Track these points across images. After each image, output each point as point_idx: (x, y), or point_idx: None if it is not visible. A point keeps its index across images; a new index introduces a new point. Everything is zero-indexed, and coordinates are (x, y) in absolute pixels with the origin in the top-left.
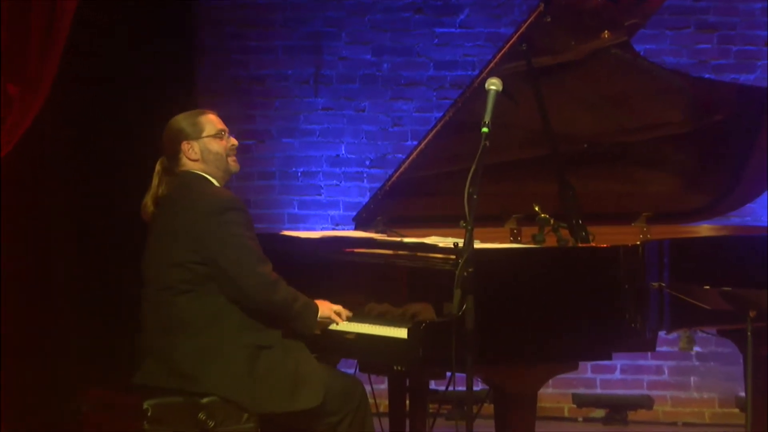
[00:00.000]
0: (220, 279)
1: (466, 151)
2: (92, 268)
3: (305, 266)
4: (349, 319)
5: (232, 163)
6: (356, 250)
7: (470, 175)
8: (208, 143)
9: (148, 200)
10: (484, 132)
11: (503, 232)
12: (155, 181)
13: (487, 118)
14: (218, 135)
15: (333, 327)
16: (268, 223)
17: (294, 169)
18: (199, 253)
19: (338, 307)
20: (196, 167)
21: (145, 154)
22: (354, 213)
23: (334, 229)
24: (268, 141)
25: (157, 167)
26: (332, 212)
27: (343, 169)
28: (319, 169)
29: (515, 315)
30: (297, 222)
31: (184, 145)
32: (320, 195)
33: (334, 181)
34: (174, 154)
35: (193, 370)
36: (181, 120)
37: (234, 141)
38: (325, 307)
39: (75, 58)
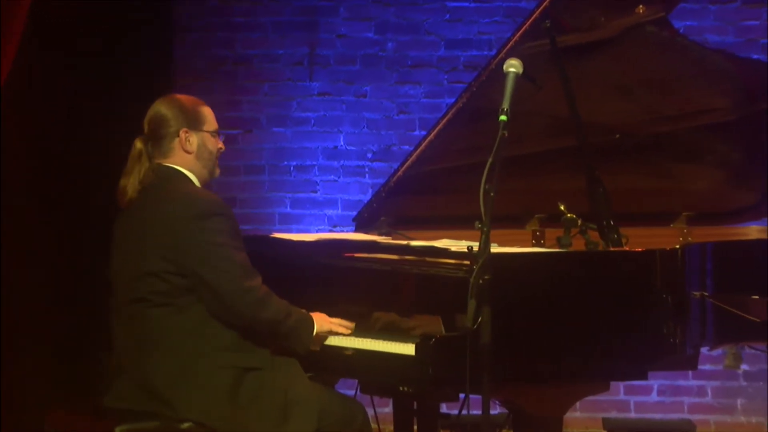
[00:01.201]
0: (201, 292)
1: (482, 143)
2: (56, 273)
3: (298, 273)
4: (349, 335)
5: (217, 169)
6: (357, 255)
7: (486, 169)
8: (206, 139)
9: (128, 184)
10: (502, 120)
11: (524, 234)
12: (134, 163)
13: (505, 105)
14: (215, 133)
15: (329, 342)
16: (256, 224)
17: (286, 162)
18: (177, 264)
19: (338, 320)
20: (183, 162)
21: (112, 145)
22: (354, 212)
23: (331, 230)
24: (256, 130)
25: (137, 146)
26: (329, 212)
27: (341, 162)
28: (315, 163)
29: (538, 328)
30: (289, 223)
31: (183, 134)
32: (316, 192)
33: (332, 177)
34: (161, 139)
35: (170, 393)
36: (183, 103)
37: (223, 146)
38: (323, 321)
39: (35, 37)
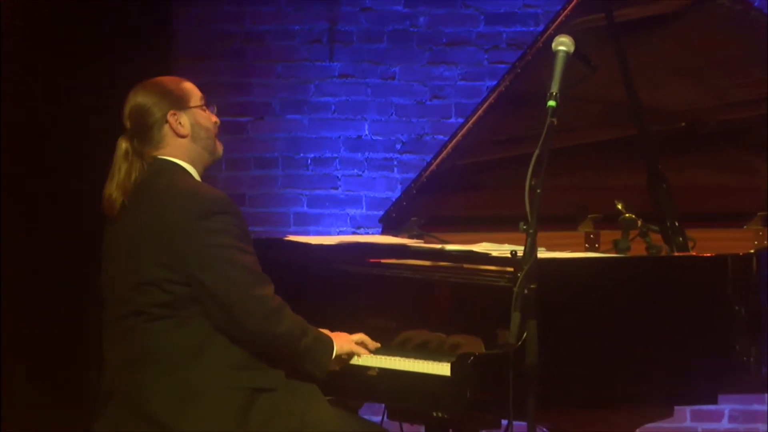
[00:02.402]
0: (205, 303)
1: (528, 132)
2: (40, 281)
3: (316, 282)
4: (375, 352)
5: (219, 144)
6: (384, 261)
7: (532, 162)
8: (197, 115)
9: (114, 190)
10: (550, 106)
11: (576, 237)
12: (121, 165)
13: (554, 89)
14: (203, 106)
15: (353, 360)
16: (267, 226)
17: (302, 154)
18: (177, 271)
19: (361, 336)
20: (179, 150)
21: (104, 138)
22: (381, 212)
23: (354, 233)
24: (268, 118)
25: (122, 146)
26: (352, 211)
27: (366, 154)
28: (336, 155)
29: (591, 345)
30: (306, 224)
31: (171, 117)
32: (337, 188)
33: (355, 171)
34: (148, 131)
35: (169, 417)
36: (162, 84)
37: (217, 118)
38: (343, 341)
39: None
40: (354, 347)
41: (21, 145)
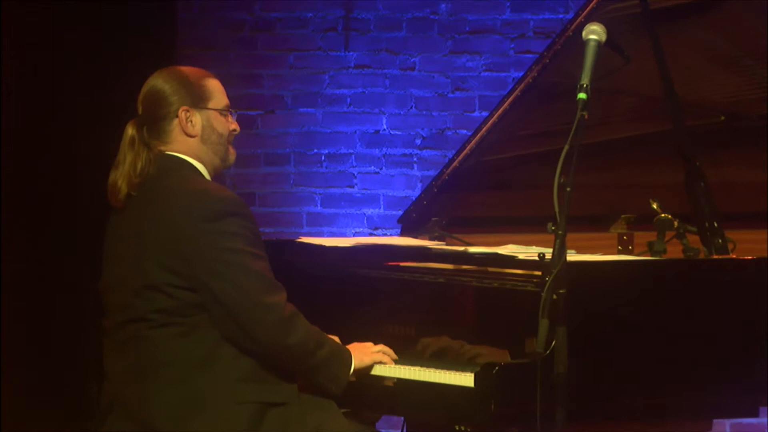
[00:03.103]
0: (212, 310)
1: (557, 126)
2: (37, 284)
3: (331, 287)
4: (394, 362)
5: (231, 152)
6: (403, 265)
7: (562, 159)
8: (213, 118)
9: (118, 178)
10: (581, 99)
11: (608, 238)
12: (126, 153)
13: (585, 80)
14: (225, 111)
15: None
16: (279, 227)
17: (316, 150)
18: (183, 276)
19: (382, 348)
20: (187, 148)
21: (102, 132)
22: (399, 212)
23: (371, 234)
24: (279, 111)
25: (129, 132)
26: (369, 211)
27: (384, 150)
28: (352, 151)
29: (624, 354)
30: (320, 224)
31: (183, 113)
32: (353, 187)
33: (372, 168)
34: (158, 121)
35: (175, 430)
36: (184, 75)
37: (237, 125)
38: (363, 353)
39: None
40: (375, 356)
41: (20, 137)
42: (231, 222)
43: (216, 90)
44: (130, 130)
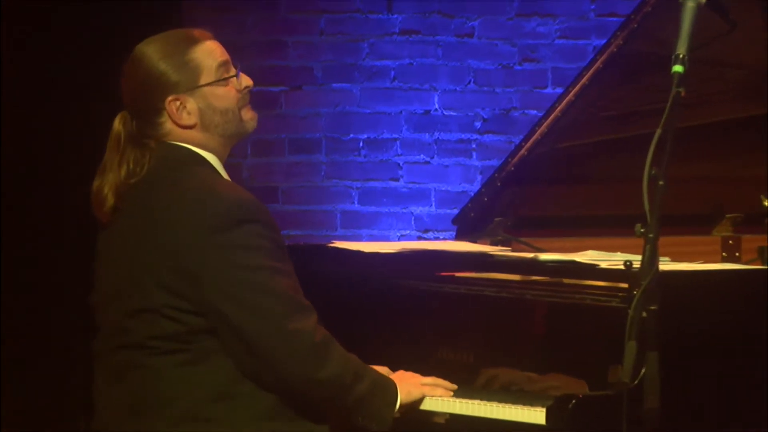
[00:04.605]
0: (225, 338)
1: (646, 106)
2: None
3: (370, 304)
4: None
5: (248, 117)
6: (459, 275)
7: (653, 145)
8: (211, 95)
9: (105, 186)
10: (676, 73)
11: (710, 243)
12: (112, 154)
13: (681, 50)
14: (222, 75)
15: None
16: (307, 229)
17: (352, 135)
18: (189, 298)
19: (434, 380)
20: (186, 138)
21: (94, 119)
22: (455, 210)
23: (420, 238)
24: (307, 87)
25: (116, 128)
26: (418, 209)
27: (436, 135)
28: (396, 136)
29: (732, 385)
30: (357, 226)
31: (171, 104)
32: (397, 180)
33: (421, 156)
34: (146, 114)
35: None
36: (161, 52)
37: (247, 80)
38: (411, 385)
39: None
40: (425, 390)
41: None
42: (246, 231)
43: (204, 57)
44: (116, 125)
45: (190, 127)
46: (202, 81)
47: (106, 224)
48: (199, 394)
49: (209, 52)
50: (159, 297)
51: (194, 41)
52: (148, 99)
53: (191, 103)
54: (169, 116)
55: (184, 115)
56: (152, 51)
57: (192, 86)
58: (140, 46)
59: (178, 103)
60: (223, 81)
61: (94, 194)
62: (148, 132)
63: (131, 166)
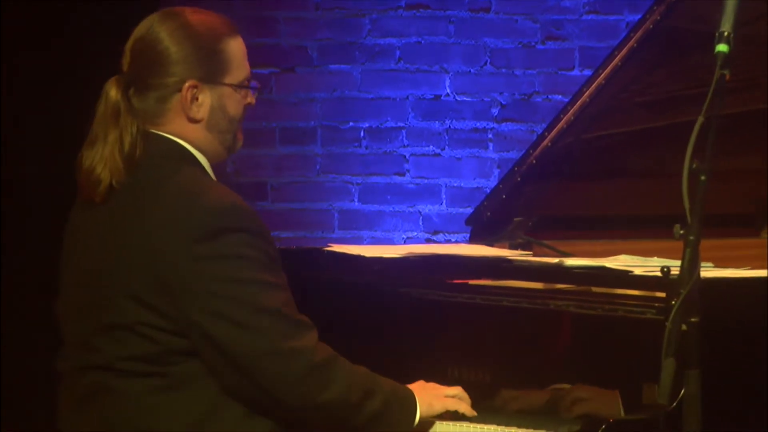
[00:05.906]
0: (210, 361)
1: (686, 90)
2: None
3: (371, 315)
4: (466, 416)
5: (240, 137)
6: (473, 283)
7: (694, 135)
8: (227, 97)
9: (99, 164)
10: (720, 53)
11: (758, 246)
12: (111, 125)
13: (726, 27)
14: (243, 87)
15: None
16: (300, 230)
17: (352, 123)
18: (167, 315)
19: (458, 390)
20: (184, 133)
21: (67, 102)
22: (469, 209)
23: (429, 241)
24: (300, 69)
25: (111, 95)
26: (427, 207)
27: (447, 123)
28: (402, 124)
29: None
30: (358, 226)
31: (189, 90)
32: (403, 174)
33: (431, 147)
34: (151, 88)
35: None
36: (199, 34)
37: (253, 99)
38: (431, 396)
39: None
40: (449, 402)
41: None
42: (233, 240)
43: (237, 55)
44: (112, 93)
45: (196, 122)
46: (228, 79)
47: (85, 205)
48: (175, 425)
49: (242, 54)
50: (133, 313)
51: (232, 34)
52: (165, 75)
53: (207, 97)
54: (181, 101)
55: (195, 107)
56: (191, 27)
57: (216, 81)
58: (176, 13)
59: (195, 90)
60: (244, 88)
61: (85, 171)
62: (144, 108)
63: (131, 144)
